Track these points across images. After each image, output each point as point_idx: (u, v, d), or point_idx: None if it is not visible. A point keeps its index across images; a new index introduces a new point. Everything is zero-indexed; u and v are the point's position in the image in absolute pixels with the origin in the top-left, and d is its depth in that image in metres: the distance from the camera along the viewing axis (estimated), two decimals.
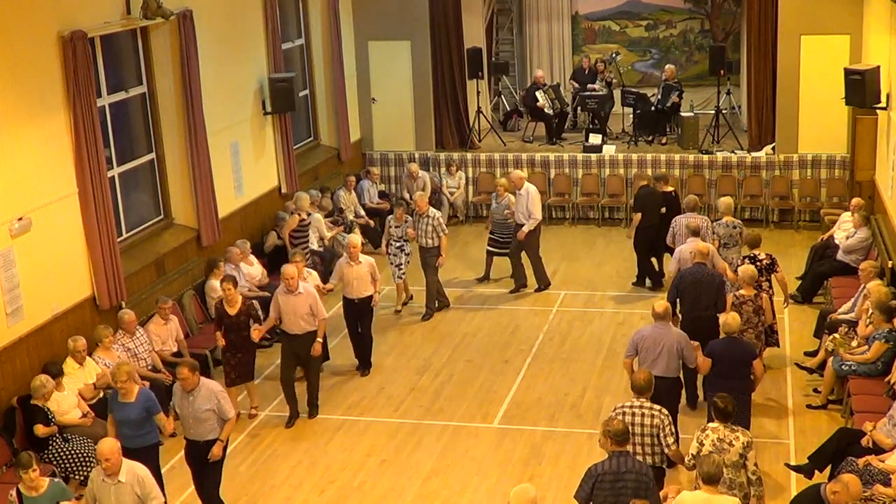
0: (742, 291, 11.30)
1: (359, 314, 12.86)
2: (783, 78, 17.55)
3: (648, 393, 8.71)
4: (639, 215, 14.87)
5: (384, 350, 13.55)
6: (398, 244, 14.52)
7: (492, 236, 15.62)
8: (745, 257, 12.23)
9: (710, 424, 8.49)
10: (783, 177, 17.74)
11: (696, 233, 12.75)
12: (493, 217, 15.59)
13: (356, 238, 12.97)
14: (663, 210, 14.83)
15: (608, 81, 20.45)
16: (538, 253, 15.33)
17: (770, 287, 12.03)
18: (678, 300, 11.60)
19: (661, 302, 10.38)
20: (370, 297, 12.75)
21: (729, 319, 10.06)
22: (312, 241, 15.23)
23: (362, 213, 17.17)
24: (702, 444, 8.31)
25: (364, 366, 12.97)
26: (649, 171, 18.15)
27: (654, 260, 15.27)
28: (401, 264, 14.58)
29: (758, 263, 11.88)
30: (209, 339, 12.66)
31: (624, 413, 8.58)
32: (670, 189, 15.26)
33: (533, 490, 7.25)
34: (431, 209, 14.46)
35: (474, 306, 14.89)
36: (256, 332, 11.51)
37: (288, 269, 11.52)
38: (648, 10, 21.96)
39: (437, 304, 14.65)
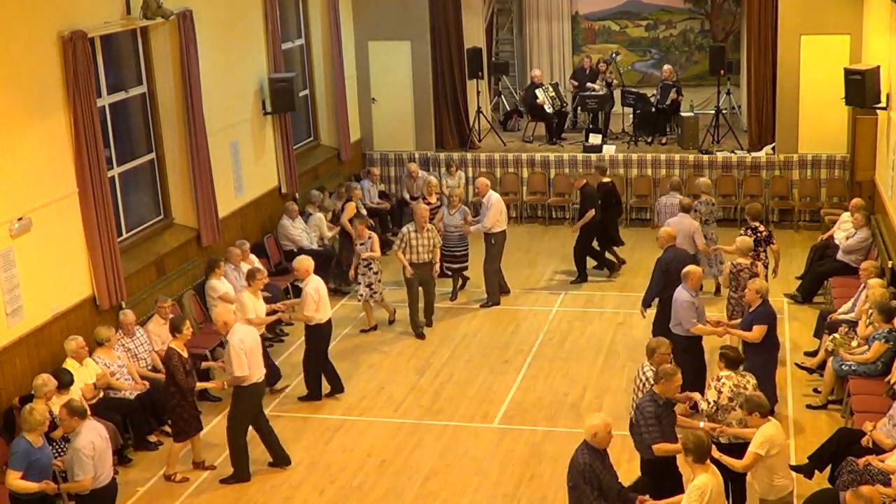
0: (739, 260, 12.06)
1: (329, 336, 12.31)
2: (783, 78, 17.56)
3: (651, 358, 9.31)
4: (592, 211, 15.25)
5: (384, 350, 13.56)
6: (366, 263, 13.86)
7: (445, 252, 14.74)
8: (746, 228, 13.18)
9: (723, 373, 9.13)
10: (783, 177, 17.74)
11: (687, 210, 13.78)
12: (445, 231, 14.83)
13: (309, 261, 12.20)
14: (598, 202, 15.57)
15: (608, 81, 20.45)
16: (497, 265, 14.91)
17: (766, 257, 13.04)
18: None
19: (693, 267, 11.13)
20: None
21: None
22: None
23: (363, 211, 17.15)
24: (720, 391, 8.98)
25: (340, 388, 12.33)
26: (649, 171, 18.17)
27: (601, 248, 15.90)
28: (372, 283, 13.89)
29: (757, 235, 12.93)
30: (209, 339, 12.67)
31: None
32: (608, 180, 15.86)
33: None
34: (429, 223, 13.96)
35: (474, 306, 14.90)
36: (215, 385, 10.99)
37: (223, 312, 10.67)
38: (648, 10, 21.95)
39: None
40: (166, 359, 10.36)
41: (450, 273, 15.08)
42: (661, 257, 12.28)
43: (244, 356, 10.23)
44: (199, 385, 10.62)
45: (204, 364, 11.33)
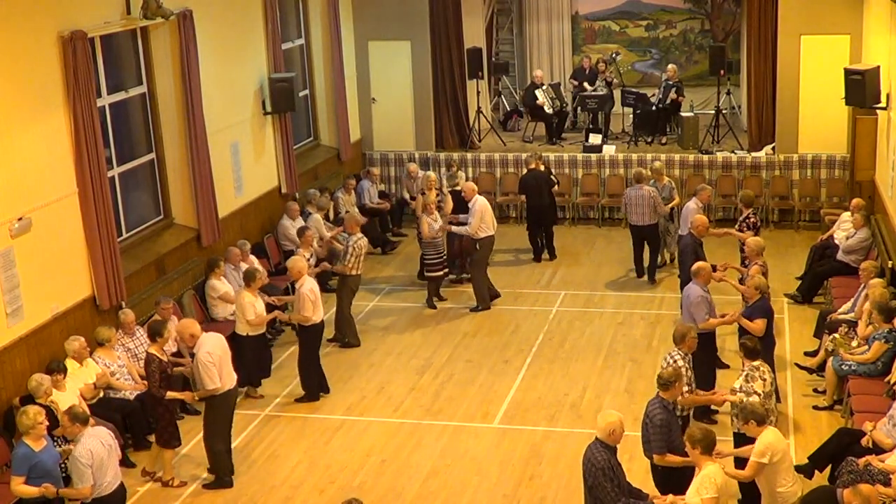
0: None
1: (321, 336, 12.35)
2: (783, 78, 17.56)
3: (680, 343, 9.47)
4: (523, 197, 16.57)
5: (384, 350, 13.56)
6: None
7: (425, 260, 14.87)
8: (741, 220, 13.87)
9: (754, 364, 9.26)
10: (783, 177, 17.74)
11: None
12: (421, 237, 14.86)
13: (302, 261, 12.30)
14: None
15: (608, 81, 20.45)
16: (484, 270, 14.80)
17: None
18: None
19: (703, 264, 11.32)
20: None
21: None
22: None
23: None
24: (764, 379, 9.15)
25: (325, 388, 12.30)
26: (649, 172, 18.13)
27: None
28: None
29: (747, 221, 13.71)
30: None
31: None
32: (534, 167, 16.65)
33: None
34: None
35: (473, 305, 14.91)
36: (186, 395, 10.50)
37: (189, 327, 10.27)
38: (648, 10, 21.96)
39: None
40: (145, 364, 10.17)
41: (440, 277, 15.05)
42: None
43: (214, 368, 10.02)
44: (170, 395, 10.22)
45: (176, 369, 10.81)
